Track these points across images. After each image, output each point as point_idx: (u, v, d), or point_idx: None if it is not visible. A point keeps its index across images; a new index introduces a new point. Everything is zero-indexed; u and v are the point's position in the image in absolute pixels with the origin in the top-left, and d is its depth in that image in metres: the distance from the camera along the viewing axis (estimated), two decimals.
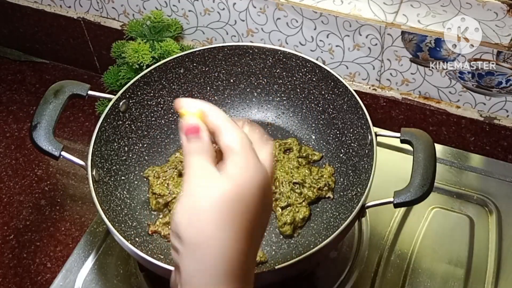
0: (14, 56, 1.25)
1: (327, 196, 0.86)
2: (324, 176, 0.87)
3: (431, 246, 0.87)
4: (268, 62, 0.92)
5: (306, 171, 0.87)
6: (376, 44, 0.93)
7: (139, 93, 0.89)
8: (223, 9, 0.99)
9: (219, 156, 0.49)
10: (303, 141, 0.93)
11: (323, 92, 0.90)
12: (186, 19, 1.05)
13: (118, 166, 0.86)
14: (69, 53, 1.20)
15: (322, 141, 0.93)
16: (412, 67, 0.94)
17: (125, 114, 0.87)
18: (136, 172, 0.89)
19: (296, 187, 0.86)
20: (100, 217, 0.73)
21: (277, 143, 0.92)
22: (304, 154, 0.90)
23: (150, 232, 0.83)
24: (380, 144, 0.89)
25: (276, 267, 0.68)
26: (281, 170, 0.87)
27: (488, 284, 0.82)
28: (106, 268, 0.86)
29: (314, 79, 0.90)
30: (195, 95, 0.95)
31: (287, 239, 0.82)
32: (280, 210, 0.84)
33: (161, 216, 0.85)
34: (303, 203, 0.84)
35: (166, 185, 0.87)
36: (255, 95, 0.96)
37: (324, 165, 0.90)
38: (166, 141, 0.94)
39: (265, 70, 0.93)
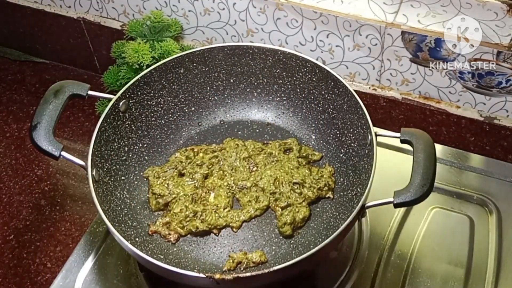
0: (14, 56, 1.25)
1: (327, 196, 0.86)
2: (324, 176, 0.87)
3: (431, 246, 0.87)
4: (268, 62, 0.92)
5: (306, 171, 0.87)
6: (376, 44, 0.93)
7: (139, 93, 0.89)
8: (223, 9, 0.99)
9: None
10: (303, 141, 0.93)
11: (323, 92, 0.90)
12: (186, 19, 1.05)
13: (118, 166, 0.86)
14: (69, 53, 1.20)
15: (322, 141, 0.93)
16: (412, 67, 0.94)
17: (125, 114, 0.87)
18: (136, 172, 0.89)
19: (296, 187, 0.86)
20: (100, 217, 0.73)
21: (277, 143, 0.92)
22: (304, 154, 0.90)
23: (150, 232, 0.83)
24: (380, 144, 0.89)
25: (276, 267, 0.68)
26: (281, 170, 0.87)
27: (488, 284, 0.82)
28: (106, 268, 0.86)
29: (314, 79, 0.90)
30: (195, 95, 0.95)
31: (287, 239, 0.83)
32: (280, 210, 0.84)
33: (161, 216, 0.85)
34: (303, 203, 0.84)
35: (166, 185, 0.87)
36: (255, 95, 0.96)
37: (324, 165, 0.90)
38: (166, 141, 0.94)
39: (265, 70, 0.93)
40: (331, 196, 0.86)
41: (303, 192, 0.85)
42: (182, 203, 0.85)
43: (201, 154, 0.91)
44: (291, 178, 0.87)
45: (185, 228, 0.83)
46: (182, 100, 0.94)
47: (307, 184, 0.86)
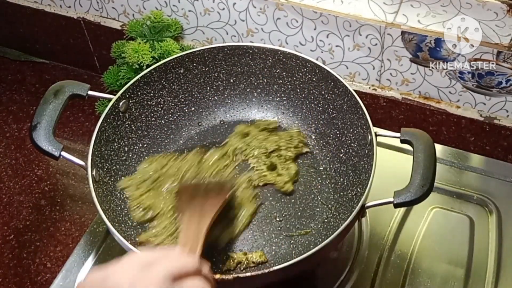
0: (14, 56, 1.25)
1: (304, 151, 0.90)
2: (294, 135, 0.91)
3: (431, 246, 0.87)
4: (268, 62, 0.92)
5: (275, 137, 0.91)
6: (376, 44, 0.93)
7: (139, 93, 0.89)
8: (223, 9, 0.99)
9: None
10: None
11: (323, 92, 0.90)
12: (186, 19, 1.05)
13: (118, 166, 0.86)
14: (69, 53, 1.20)
15: (322, 141, 0.93)
16: (412, 67, 0.94)
17: (125, 114, 0.87)
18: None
19: (274, 154, 0.89)
20: (100, 217, 0.73)
21: (237, 134, 0.93)
22: (263, 127, 0.93)
23: (138, 244, 0.80)
24: (380, 144, 0.89)
25: (276, 267, 0.68)
26: (254, 148, 0.90)
27: (488, 284, 0.82)
28: None
29: (314, 79, 0.90)
30: (195, 95, 0.95)
31: (287, 238, 0.82)
32: (274, 173, 0.87)
33: (147, 228, 0.82)
34: (287, 162, 0.88)
35: (148, 196, 0.84)
36: (255, 95, 0.96)
37: (289, 128, 0.93)
38: (166, 141, 0.94)
39: (265, 70, 0.93)
40: (308, 150, 0.90)
41: (282, 155, 0.89)
42: (169, 216, 0.82)
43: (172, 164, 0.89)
44: (266, 150, 0.89)
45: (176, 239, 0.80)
46: (182, 100, 0.94)
47: (283, 147, 0.90)
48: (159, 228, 0.81)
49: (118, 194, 0.84)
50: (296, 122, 0.95)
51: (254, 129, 0.93)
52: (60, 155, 0.78)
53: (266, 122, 0.94)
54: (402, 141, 0.78)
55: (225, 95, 0.96)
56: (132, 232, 0.80)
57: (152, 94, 0.91)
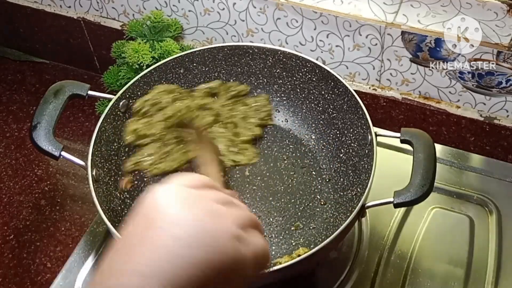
0: (14, 56, 1.25)
1: (269, 124, 0.92)
2: (261, 103, 0.92)
3: (431, 246, 0.87)
4: (268, 62, 0.92)
5: (241, 107, 0.91)
6: (376, 44, 0.93)
7: (139, 93, 0.89)
8: (223, 9, 0.99)
9: None
10: (303, 141, 0.93)
11: (323, 92, 0.90)
12: (186, 19, 1.05)
13: (118, 166, 0.86)
14: (69, 53, 1.20)
15: (322, 141, 0.93)
16: (412, 67, 0.94)
17: (125, 114, 0.87)
18: (136, 172, 0.89)
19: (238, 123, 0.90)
20: (100, 217, 0.73)
21: (199, 95, 0.92)
22: (232, 93, 0.92)
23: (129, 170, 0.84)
24: (380, 144, 0.89)
25: (276, 267, 0.68)
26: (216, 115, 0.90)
27: (488, 284, 0.82)
28: None
29: (314, 79, 0.90)
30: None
31: (287, 237, 0.82)
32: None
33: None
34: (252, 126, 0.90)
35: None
36: (255, 95, 0.96)
37: (257, 95, 0.93)
38: None
39: (265, 70, 0.93)
40: (272, 122, 0.93)
41: (250, 121, 0.91)
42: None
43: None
44: (233, 118, 0.90)
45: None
46: None
47: (250, 115, 0.91)
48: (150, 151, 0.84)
49: (118, 194, 0.84)
50: (296, 122, 0.95)
51: (224, 92, 0.92)
52: (60, 155, 0.78)
53: (236, 86, 0.93)
54: (402, 141, 0.78)
55: None
56: None
57: None
